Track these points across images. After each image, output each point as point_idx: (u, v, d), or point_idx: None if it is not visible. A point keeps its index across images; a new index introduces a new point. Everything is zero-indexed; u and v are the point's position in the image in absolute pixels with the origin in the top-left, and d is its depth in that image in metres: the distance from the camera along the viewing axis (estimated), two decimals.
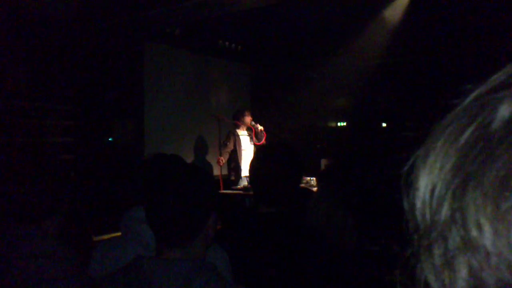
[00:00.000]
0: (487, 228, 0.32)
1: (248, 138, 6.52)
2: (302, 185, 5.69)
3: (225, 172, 6.62)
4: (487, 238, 0.32)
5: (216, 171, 6.46)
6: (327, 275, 1.62)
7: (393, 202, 0.92)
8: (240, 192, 5.80)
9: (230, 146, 6.45)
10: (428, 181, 0.39)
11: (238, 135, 6.48)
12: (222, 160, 6.37)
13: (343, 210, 2.70)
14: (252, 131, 6.52)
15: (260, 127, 6.54)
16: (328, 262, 1.64)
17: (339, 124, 8.46)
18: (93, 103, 6.10)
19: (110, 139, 6.42)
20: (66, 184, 1.67)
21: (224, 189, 6.09)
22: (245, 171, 6.12)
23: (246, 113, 6.58)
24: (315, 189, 5.31)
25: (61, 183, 1.64)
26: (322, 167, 6.01)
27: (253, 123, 6.53)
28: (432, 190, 0.38)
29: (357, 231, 2.76)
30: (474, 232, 0.33)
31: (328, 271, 1.62)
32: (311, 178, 5.93)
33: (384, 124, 7.95)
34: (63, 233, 1.67)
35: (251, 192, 1.92)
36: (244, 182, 6.08)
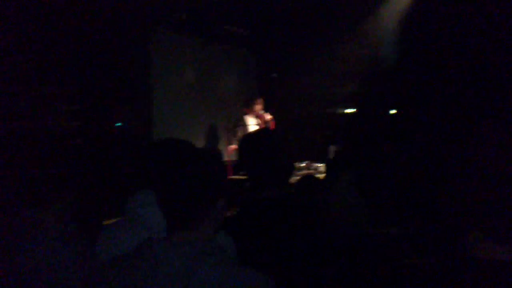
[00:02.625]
0: None
1: (256, 127, 6.51)
2: (311, 171, 5.71)
3: (234, 157, 6.64)
4: None
5: (226, 157, 6.48)
6: (334, 259, 1.63)
7: (402, 185, 0.93)
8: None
9: (239, 134, 6.45)
10: None
11: (247, 122, 6.48)
12: (232, 149, 6.38)
13: (356, 193, 2.70)
14: (260, 118, 6.52)
15: (269, 116, 6.54)
16: (337, 247, 1.65)
17: (347, 110, 8.42)
18: (101, 88, 6.11)
19: (118, 124, 6.44)
20: (75, 168, 1.69)
21: (233, 174, 6.11)
22: None
23: (257, 101, 6.56)
24: (322, 175, 5.33)
25: (71, 167, 1.66)
26: (331, 153, 6.01)
27: (262, 111, 6.52)
28: None
29: (370, 214, 2.77)
30: None
31: (336, 255, 1.63)
32: (319, 165, 5.94)
33: (392, 111, 7.90)
34: (73, 217, 1.69)
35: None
36: None
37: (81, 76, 5.90)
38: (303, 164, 5.88)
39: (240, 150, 1.91)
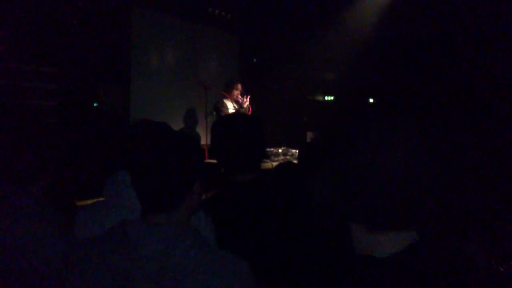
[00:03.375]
0: None
1: (234, 111, 6.50)
2: (288, 157, 5.74)
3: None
4: None
5: (203, 140, 6.46)
6: (312, 242, 1.66)
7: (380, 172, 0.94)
8: None
9: (217, 116, 6.44)
10: None
11: (226, 106, 6.47)
12: None
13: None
14: (238, 103, 6.51)
15: (246, 102, 6.53)
16: (314, 232, 1.68)
17: (326, 98, 8.48)
18: (79, 67, 6.02)
19: (95, 104, 6.36)
20: (51, 148, 1.68)
21: (210, 158, 6.11)
22: None
23: (236, 86, 6.54)
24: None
25: (47, 147, 1.65)
26: (308, 139, 6.05)
27: (239, 96, 6.51)
28: None
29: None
30: None
31: (314, 239, 1.66)
32: (296, 151, 5.97)
33: (371, 100, 7.98)
34: (48, 197, 1.68)
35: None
36: None
37: (59, 54, 5.80)
38: (280, 150, 5.91)
39: (212, 134, 1.91)
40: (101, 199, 1.78)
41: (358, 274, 0.99)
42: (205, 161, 5.58)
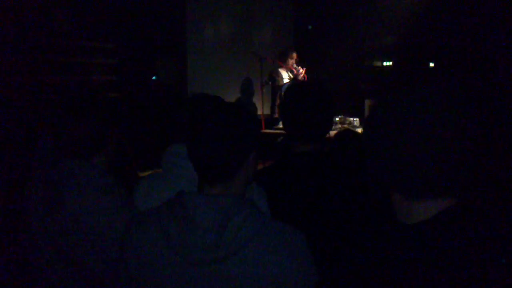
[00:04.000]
0: None
1: (289, 80, 6.44)
2: (345, 125, 5.65)
3: (267, 111, 6.63)
4: None
5: (259, 111, 6.47)
6: (367, 215, 1.63)
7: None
8: (281, 131, 5.82)
9: (274, 87, 6.42)
10: None
11: (281, 76, 6.42)
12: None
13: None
14: (293, 73, 6.45)
15: (301, 70, 6.44)
16: (369, 203, 1.65)
17: (384, 63, 8.22)
18: (137, 42, 6.14)
19: (153, 78, 6.49)
20: (113, 121, 1.73)
21: (266, 128, 6.12)
22: None
23: (291, 54, 6.46)
24: (359, 130, 5.27)
25: (108, 120, 1.69)
26: (366, 107, 5.91)
27: (295, 65, 6.43)
28: None
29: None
30: None
31: (369, 211, 1.63)
32: (354, 119, 5.86)
33: (431, 64, 7.67)
34: (111, 168, 1.74)
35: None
36: None
37: (117, 31, 5.93)
38: (337, 118, 5.82)
39: (283, 102, 1.88)
40: (159, 170, 1.82)
41: (390, 241, 1.03)
42: (261, 131, 5.59)
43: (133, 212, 1.58)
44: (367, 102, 5.98)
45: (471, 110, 0.94)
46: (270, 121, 6.44)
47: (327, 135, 1.91)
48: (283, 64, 6.44)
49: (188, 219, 1.17)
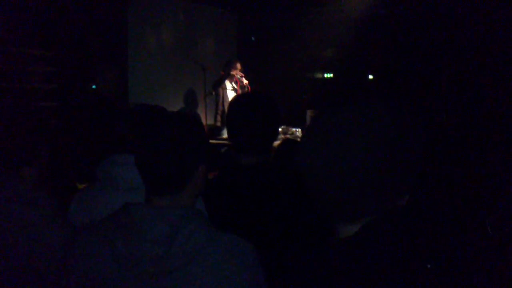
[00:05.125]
0: None
1: (233, 91, 6.46)
2: (288, 136, 5.71)
3: (210, 121, 6.61)
4: None
5: (202, 121, 6.42)
6: (311, 226, 1.64)
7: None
8: (224, 142, 5.81)
9: (216, 98, 6.42)
10: None
11: (225, 86, 6.42)
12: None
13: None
14: (237, 83, 6.47)
15: (245, 81, 6.48)
16: (313, 214, 1.66)
17: (326, 75, 8.40)
18: (76, 50, 5.96)
19: (93, 87, 6.30)
20: (45, 131, 1.65)
21: (210, 138, 6.08)
22: None
23: (235, 64, 6.48)
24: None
25: (40, 130, 1.62)
26: (308, 118, 6.01)
27: (239, 75, 6.46)
28: None
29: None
30: None
31: (313, 223, 1.64)
32: (297, 129, 5.94)
33: (370, 76, 7.92)
34: (44, 181, 1.66)
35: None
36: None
37: (56, 37, 5.74)
38: (280, 129, 5.87)
39: (228, 113, 1.86)
40: (94, 182, 1.76)
41: (326, 255, 1.01)
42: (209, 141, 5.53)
43: (67, 228, 1.51)
44: (309, 113, 6.09)
45: (407, 135, 0.93)
46: (213, 131, 6.42)
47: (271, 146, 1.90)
48: (227, 74, 6.44)
49: (135, 231, 1.14)
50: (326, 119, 0.98)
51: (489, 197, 3.71)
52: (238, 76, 6.43)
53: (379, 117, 0.94)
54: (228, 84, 6.47)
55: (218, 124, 6.48)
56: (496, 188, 3.92)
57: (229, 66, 6.47)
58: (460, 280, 0.88)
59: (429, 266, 0.88)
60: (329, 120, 0.97)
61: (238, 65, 6.49)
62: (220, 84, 6.40)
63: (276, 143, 3.49)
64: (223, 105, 6.34)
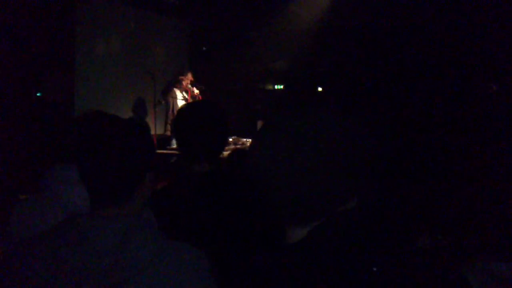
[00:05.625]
0: None
1: (183, 100, 6.43)
2: (238, 146, 5.73)
3: (160, 131, 6.53)
4: None
5: (152, 130, 6.35)
6: (262, 232, 1.65)
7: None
8: (174, 152, 5.76)
9: (166, 107, 6.37)
10: None
11: (175, 96, 6.38)
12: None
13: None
14: (188, 93, 6.44)
15: (196, 91, 6.47)
16: (264, 220, 1.67)
17: (276, 87, 8.50)
18: (21, 55, 5.75)
19: (38, 94, 6.10)
20: None
21: (159, 148, 6.02)
22: None
23: (186, 74, 6.47)
24: None
25: None
26: (258, 128, 6.06)
27: (189, 86, 6.44)
28: None
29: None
30: None
31: (264, 229, 1.65)
32: (247, 140, 5.97)
33: (320, 88, 8.08)
34: None
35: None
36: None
37: (1, 41, 5.52)
38: (231, 139, 5.89)
39: (177, 121, 1.85)
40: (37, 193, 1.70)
41: (277, 260, 1.02)
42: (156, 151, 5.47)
43: (7, 238, 1.45)
44: (259, 123, 6.13)
45: (354, 141, 0.96)
46: (163, 140, 6.34)
47: (221, 155, 1.91)
48: (178, 83, 6.40)
49: (82, 242, 1.10)
50: (276, 124, 1.00)
51: (436, 202, 3.86)
52: (189, 86, 6.41)
53: (328, 121, 0.97)
54: (179, 94, 6.43)
55: (168, 133, 6.43)
56: (442, 193, 4.09)
57: (180, 76, 6.45)
58: (405, 284, 0.91)
59: (375, 269, 0.90)
60: (279, 124, 0.99)
61: (189, 75, 6.47)
62: (168, 92, 6.36)
63: (226, 153, 3.50)
64: (173, 115, 6.29)
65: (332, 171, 0.93)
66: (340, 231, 0.95)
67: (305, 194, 0.93)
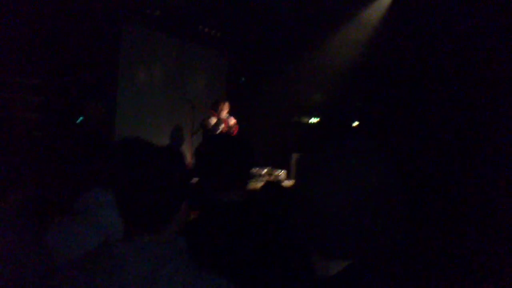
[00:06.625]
0: None
1: (219, 130, 6.49)
2: (271, 178, 5.72)
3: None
4: None
5: (188, 159, 6.43)
6: (293, 264, 1.64)
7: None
8: None
9: (203, 137, 6.43)
10: None
11: (211, 127, 6.45)
12: None
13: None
14: (225, 123, 6.51)
15: (233, 121, 6.53)
16: (295, 252, 1.66)
17: (312, 120, 8.50)
18: (67, 81, 5.97)
19: (80, 119, 6.29)
20: (31, 160, 1.64)
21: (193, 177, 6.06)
22: None
23: (223, 105, 6.55)
24: (287, 182, 5.36)
25: (26, 159, 1.61)
26: (293, 161, 6.05)
27: (227, 115, 6.51)
28: None
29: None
30: None
31: (296, 261, 1.64)
32: (281, 171, 5.96)
33: (355, 123, 8.03)
34: (27, 209, 1.64)
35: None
36: None
37: (47, 68, 5.75)
38: (265, 171, 5.89)
39: (198, 153, 1.88)
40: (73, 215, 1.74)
41: None
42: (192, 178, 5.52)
43: (44, 258, 1.49)
44: (294, 156, 6.13)
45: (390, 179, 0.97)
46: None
47: (250, 186, 1.92)
48: (216, 114, 6.49)
49: (117, 270, 1.11)
50: (326, 160, 1.01)
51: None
52: (226, 116, 6.49)
53: (377, 157, 0.99)
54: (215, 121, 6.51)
55: None
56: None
57: (217, 105, 6.53)
58: None
59: None
60: (330, 160, 1.01)
61: (226, 105, 6.55)
62: (208, 123, 6.44)
63: (260, 184, 3.51)
64: None
65: (375, 209, 0.94)
66: (378, 271, 0.96)
67: (349, 229, 0.95)
